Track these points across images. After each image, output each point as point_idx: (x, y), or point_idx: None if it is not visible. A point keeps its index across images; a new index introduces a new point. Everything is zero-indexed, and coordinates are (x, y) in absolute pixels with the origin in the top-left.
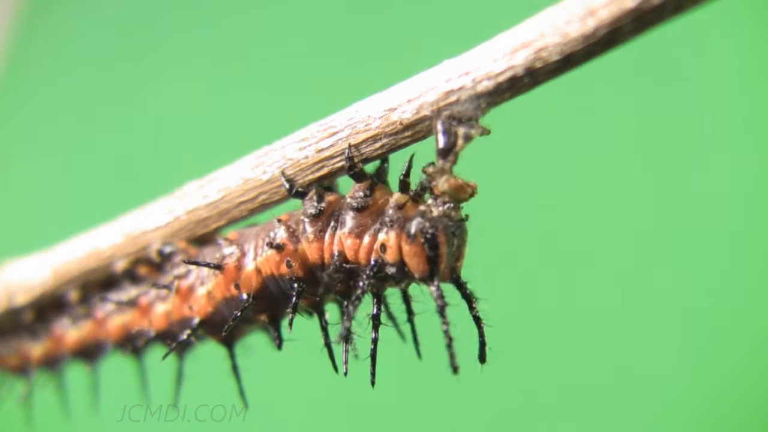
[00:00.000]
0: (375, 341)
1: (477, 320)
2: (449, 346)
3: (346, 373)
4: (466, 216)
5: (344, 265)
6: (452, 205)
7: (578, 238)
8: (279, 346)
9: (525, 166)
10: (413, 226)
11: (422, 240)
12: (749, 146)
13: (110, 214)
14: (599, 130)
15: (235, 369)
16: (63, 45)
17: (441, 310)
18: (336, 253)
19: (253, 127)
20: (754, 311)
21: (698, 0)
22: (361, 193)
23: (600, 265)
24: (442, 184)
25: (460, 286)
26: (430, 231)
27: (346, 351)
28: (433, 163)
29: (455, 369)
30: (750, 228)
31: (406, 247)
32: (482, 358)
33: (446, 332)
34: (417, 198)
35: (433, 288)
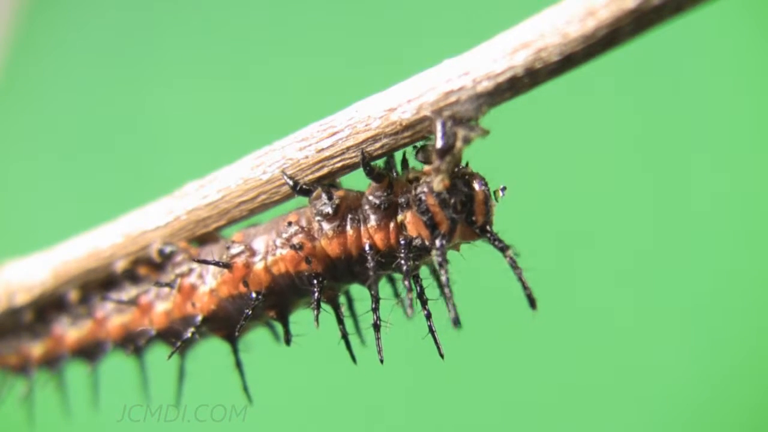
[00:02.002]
0: (429, 317)
1: (513, 267)
2: (448, 299)
3: (382, 361)
4: (463, 174)
5: (381, 258)
6: (428, 179)
7: (578, 237)
8: (288, 342)
9: (524, 166)
10: (409, 202)
11: (415, 209)
12: (749, 146)
13: (110, 214)
14: (599, 130)
15: (238, 365)
16: (63, 45)
17: (440, 265)
18: (368, 246)
19: (253, 127)
20: (754, 311)
21: (698, 0)
22: (381, 193)
23: (600, 265)
24: (437, 184)
25: (491, 239)
26: (416, 198)
27: (379, 338)
28: (424, 147)
29: (455, 322)
30: (750, 228)
31: (412, 220)
32: (532, 304)
33: (446, 285)
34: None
35: (434, 247)
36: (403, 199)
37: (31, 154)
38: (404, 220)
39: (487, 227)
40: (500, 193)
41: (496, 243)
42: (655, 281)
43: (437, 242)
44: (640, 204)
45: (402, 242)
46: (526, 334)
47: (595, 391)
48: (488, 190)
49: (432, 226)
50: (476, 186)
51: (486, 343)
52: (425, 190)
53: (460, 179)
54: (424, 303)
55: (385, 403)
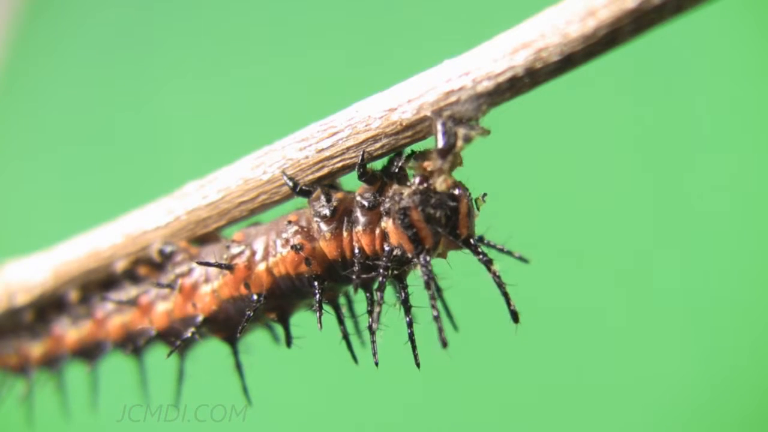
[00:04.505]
0: (410, 324)
1: (497, 282)
2: (436, 318)
3: (376, 364)
4: (453, 186)
5: (368, 261)
6: (431, 180)
7: (578, 237)
8: (288, 344)
9: (524, 165)
10: (392, 210)
11: (398, 222)
12: (749, 146)
13: (110, 213)
14: (599, 130)
15: (238, 366)
16: (63, 44)
17: (427, 285)
18: (357, 250)
19: (253, 127)
20: (754, 311)
21: (698, 0)
22: (370, 195)
23: (600, 265)
24: (439, 184)
25: (474, 251)
26: (400, 212)
27: (374, 342)
28: (417, 153)
29: (444, 343)
30: (750, 228)
31: (394, 231)
32: (514, 317)
33: (433, 306)
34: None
35: (418, 264)
36: (388, 205)
37: (30, 153)
38: (386, 229)
39: (471, 240)
40: (482, 201)
41: (480, 256)
42: (655, 281)
43: (422, 258)
44: (640, 204)
45: (386, 249)
46: (525, 334)
47: (595, 393)
48: (471, 201)
49: (416, 241)
50: (460, 198)
51: (486, 343)
52: (409, 204)
53: (445, 191)
54: (407, 310)
55: (385, 404)
